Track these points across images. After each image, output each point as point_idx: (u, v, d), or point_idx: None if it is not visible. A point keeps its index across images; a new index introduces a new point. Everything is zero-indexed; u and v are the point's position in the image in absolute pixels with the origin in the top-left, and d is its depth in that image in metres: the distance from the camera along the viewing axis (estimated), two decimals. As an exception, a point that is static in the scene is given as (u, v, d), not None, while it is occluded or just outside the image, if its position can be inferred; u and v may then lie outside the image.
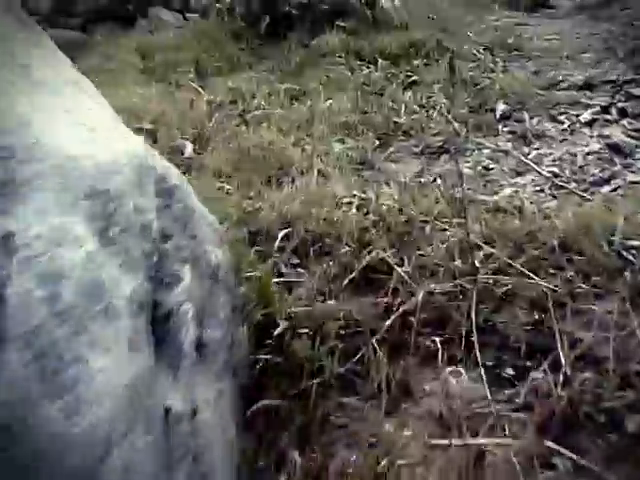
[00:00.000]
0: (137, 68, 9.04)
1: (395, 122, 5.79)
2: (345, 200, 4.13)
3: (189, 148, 5.31)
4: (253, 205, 4.09)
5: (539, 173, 4.67)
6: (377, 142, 5.45)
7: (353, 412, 2.77)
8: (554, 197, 4.30)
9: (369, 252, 3.49)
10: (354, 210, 3.95)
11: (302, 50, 8.36)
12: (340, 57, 7.73)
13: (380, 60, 7.37)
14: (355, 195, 4.16)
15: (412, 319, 3.02)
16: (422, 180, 4.64)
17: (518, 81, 6.44)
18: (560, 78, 6.57)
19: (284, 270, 3.46)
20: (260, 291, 2.95)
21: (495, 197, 4.18)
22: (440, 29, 8.43)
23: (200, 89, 7.04)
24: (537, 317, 3.01)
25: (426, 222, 3.72)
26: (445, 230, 3.58)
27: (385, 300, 3.20)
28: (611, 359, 2.74)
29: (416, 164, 5.05)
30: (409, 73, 6.99)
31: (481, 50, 7.69)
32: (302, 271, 3.47)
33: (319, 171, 4.66)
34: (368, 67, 7.34)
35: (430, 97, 6.29)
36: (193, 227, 2.37)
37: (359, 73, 7.15)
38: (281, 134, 5.58)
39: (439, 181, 4.50)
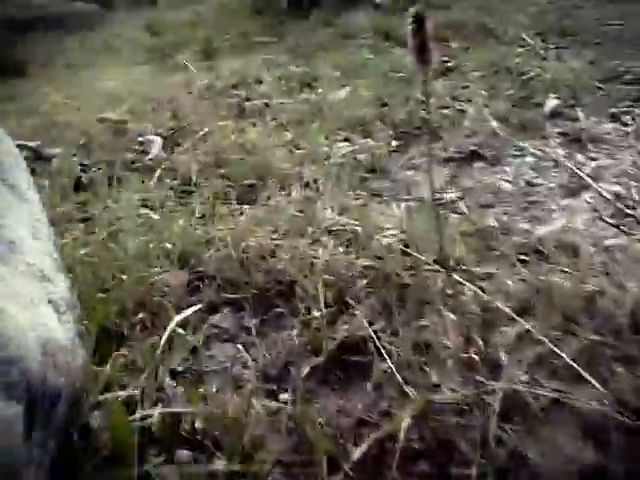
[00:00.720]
0: (144, 47, 8.04)
1: (421, 118, 4.66)
2: (334, 228, 3.04)
3: (157, 147, 4.26)
4: (207, 233, 3.03)
5: (598, 193, 3.53)
6: (395, 143, 4.34)
7: None
8: (617, 228, 3.18)
9: (349, 318, 2.41)
10: (342, 247, 2.86)
11: (325, 29, 7.32)
12: (367, 38, 6.65)
13: (411, 42, 6.25)
14: (347, 222, 3.07)
15: (396, 446, 1.91)
16: (445, 198, 3.54)
17: (572, 71, 5.27)
18: (622, 69, 5.40)
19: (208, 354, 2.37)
20: (114, 434, 1.80)
21: (540, 230, 3.06)
22: (485, 9, 7.28)
23: (195, 72, 6.01)
24: (594, 448, 1.89)
25: (439, 271, 2.62)
26: (462, 284, 2.48)
27: (360, 407, 2.10)
28: None
29: (442, 174, 3.92)
30: (444, 58, 5.84)
31: (531, 34, 6.53)
32: (241, 348, 2.38)
33: (307, 184, 3.58)
34: (397, 50, 6.23)
35: (466, 87, 5.17)
36: None
37: (385, 57, 6.04)
38: (279, 129, 4.52)
39: (465, 203, 3.39)
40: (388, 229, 3.03)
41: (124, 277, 2.66)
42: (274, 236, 2.97)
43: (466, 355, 2.13)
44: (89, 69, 6.84)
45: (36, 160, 4.03)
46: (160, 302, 2.55)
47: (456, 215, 3.27)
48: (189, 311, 2.29)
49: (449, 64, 5.74)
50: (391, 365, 2.16)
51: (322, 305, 2.43)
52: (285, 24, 7.88)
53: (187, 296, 2.68)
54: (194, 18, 9.08)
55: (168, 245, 2.90)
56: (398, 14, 7.18)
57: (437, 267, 2.62)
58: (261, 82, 5.82)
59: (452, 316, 2.28)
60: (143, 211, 3.29)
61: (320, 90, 5.32)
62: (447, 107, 4.78)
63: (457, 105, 4.86)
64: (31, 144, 4.17)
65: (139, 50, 7.91)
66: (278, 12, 8.17)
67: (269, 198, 3.42)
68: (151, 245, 2.91)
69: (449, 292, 2.48)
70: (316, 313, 2.41)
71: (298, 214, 3.16)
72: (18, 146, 4.15)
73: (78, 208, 3.48)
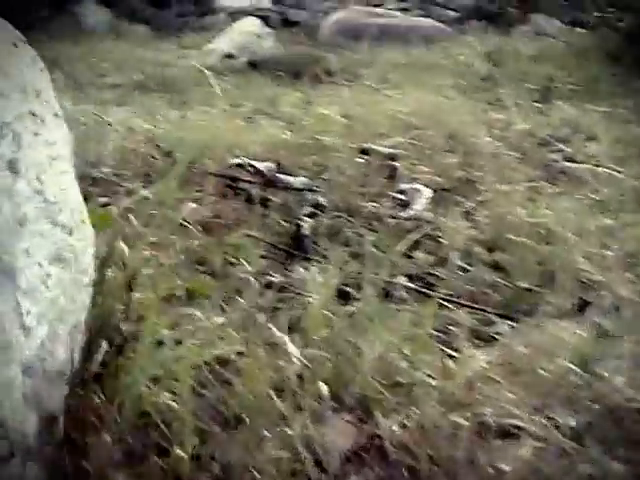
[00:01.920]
0: (476, 75, 7.01)
1: None
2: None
3: (421, 201, 3.16)
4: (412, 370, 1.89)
5: None
6: None
7: None
8: None
9: None
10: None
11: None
12: None
13: None
14: None
15: None
16: None
17: None
18: None
19: None
20: None
21: None
22: None
23: (517, 112, 4.87)
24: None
25: None
26: None
27: None
28: None
29: None
30: None
31: None
32: None
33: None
34: None
35: None
36: None
37: None
38: (597, 210, 3.30)
39: None
40: None
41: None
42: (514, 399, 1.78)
43: None
44: (395, 88, 5.87)
45: (264, 187, 3.09)
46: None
47: None
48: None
49: None
50: None
51: None
52: (644, 74, 6.59)
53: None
54: (542, 53, 7.96)
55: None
56: None
57: None
58: (594, 140, 4.58)
59: None
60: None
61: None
62: None
63: None
64: (259, 165, 3.21)
65: (468, 77, 6.87)
66: (637, 59, 6.89)
67: (542, 321, 2.22)
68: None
69: None
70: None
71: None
72: (248, 166, 3.30)
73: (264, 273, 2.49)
